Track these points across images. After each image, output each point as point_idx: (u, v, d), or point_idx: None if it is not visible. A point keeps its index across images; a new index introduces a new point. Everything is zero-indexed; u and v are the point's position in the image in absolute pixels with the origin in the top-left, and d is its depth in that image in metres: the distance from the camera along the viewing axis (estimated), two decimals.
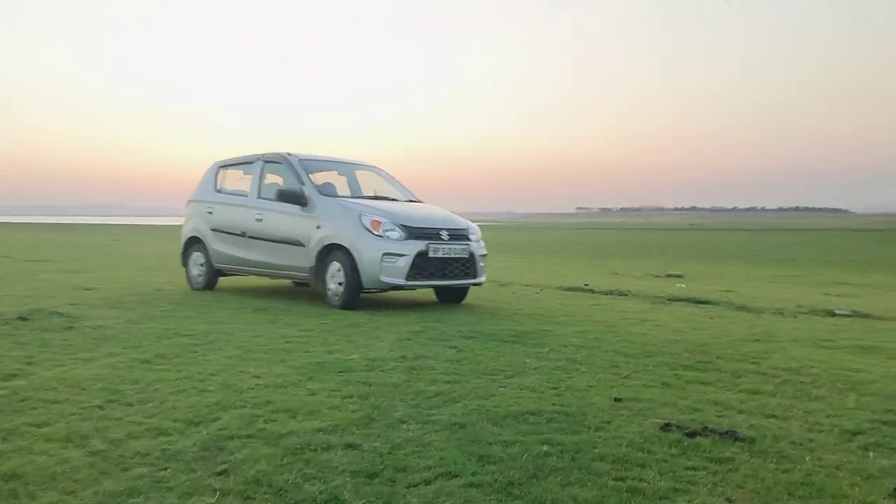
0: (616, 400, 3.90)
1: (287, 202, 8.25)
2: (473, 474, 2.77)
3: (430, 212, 8.50)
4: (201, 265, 9.50)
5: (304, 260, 8.07)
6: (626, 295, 9.97)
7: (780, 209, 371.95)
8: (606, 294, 10.12)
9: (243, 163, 9.40)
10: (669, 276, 14.91)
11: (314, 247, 7.94)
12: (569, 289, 10.78)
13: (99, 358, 4.88)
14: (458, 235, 8.07)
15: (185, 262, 9.83)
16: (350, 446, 3.10)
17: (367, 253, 7.50)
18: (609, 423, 3.45)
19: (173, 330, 6.10)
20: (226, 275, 9.57)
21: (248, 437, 3.23)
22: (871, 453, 2.96)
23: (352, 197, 8.83)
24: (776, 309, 8.40)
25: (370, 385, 4.22)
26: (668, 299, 9.40)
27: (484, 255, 8.31)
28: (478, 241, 8.30)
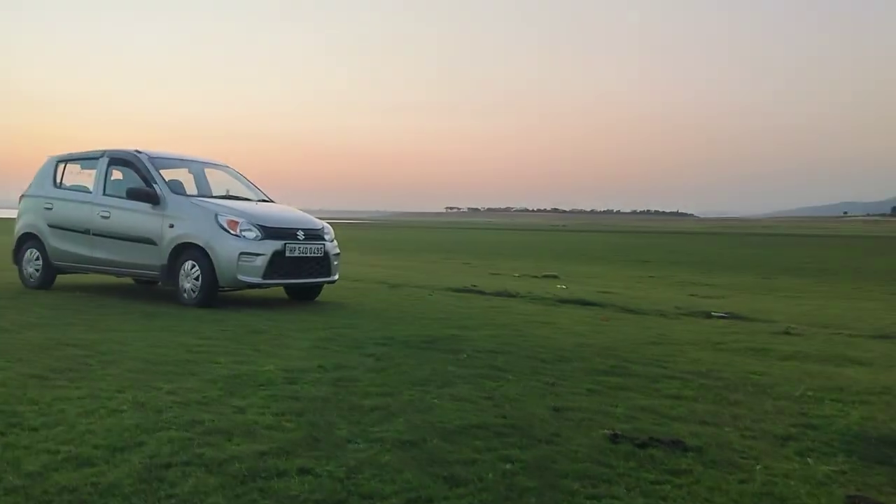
0: (555, 410, 3.93)
1: (137, 200, 8.21)
2: (446, 499, 2.68)
3: (286, 212, 8.76)
4: (37, 261, 9.14)
5: (155, 258, 8.06)
6: (514, 296, 10.18)
7: (634, 212, 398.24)
8: (496, 295, 10.29)
9: (86, 158, 9.16)
10: (546, 276, 15.44)
11: (167, 245, 7.96)
12: (459, 290, 10.86)
13: None
14: (314, 235, 8.33)
15: (17, 260, 9.44)
16: (304, 471, 2.91)
17: (224, 252, 7.62)
18: (558, 435, 3.46)
19: (57, 339, 5.53)
20: (64, 273, 9.25)
21: (186, 464, 2.94)
22: (809, 459, 3.16)
23: (204, 196, 8.77)
24: (658, 310, 8.89)
25: (299, 400, 4.01)
26: (557, 300, 9.70)
27: (338, 254, 8.66)
28: (332, 240, 8.63)
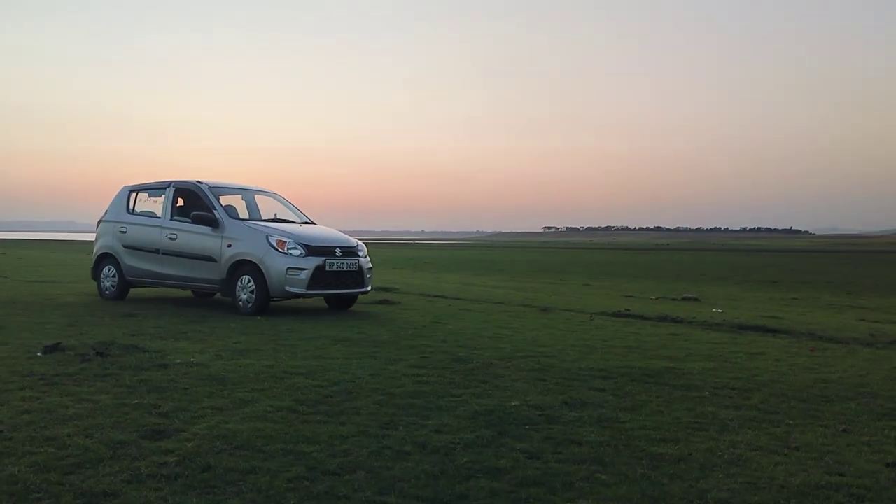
0: (889, 465, 3.43)
1: (200, 224, 9.46)
2: None
3: (325, 232, 9.93)
4: (113, 277, 10.44)
5: (215, 273, 9.28)
6: (681, 322, 9.60)
7: (744, 229, 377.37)
8: (660, 320, 9.73)
9: (154, 188, 10.44)
10: (686, 298, 14.70)
11: (225, 262, 9.18)
12: (616, 315, 10.37)
13: (235, 408, 4.21)
14: (349, 252, 9.51)
15: (95, 276, 10.73)
16: None
17: (275, 267, 8.82)
18: None
19: (277, 367, 5.43)
20: (136, 287, 10.56)
21: None
22: None
23: (255, 219, 10.02)
24: (853, 338, 8.14)
25: (581, 445, 3.67)
26: (736, 327, 9.06)
27: (370, 269, 9.86)
28: (365, 256, 9.77)
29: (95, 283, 10.79)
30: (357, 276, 9.52)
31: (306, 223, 10.29)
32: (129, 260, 10.23)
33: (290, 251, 8.92)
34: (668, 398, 4.83)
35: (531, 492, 3.02)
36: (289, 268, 8.81)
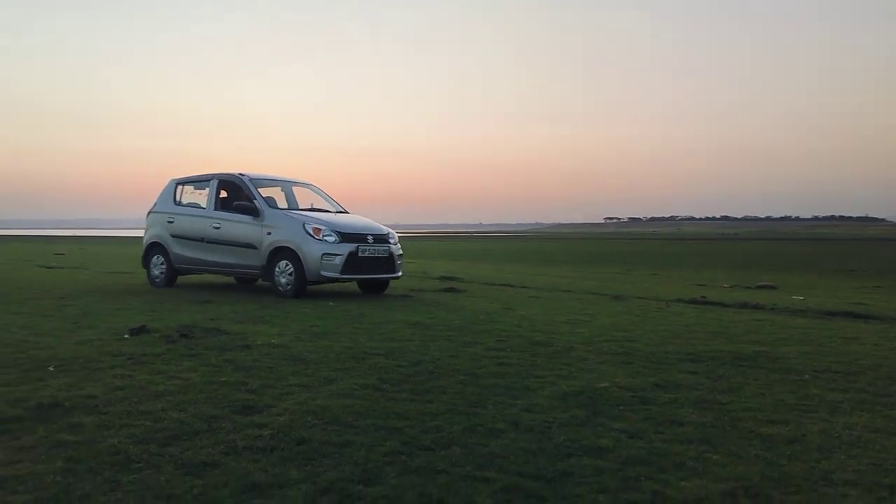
0: None
1: (242, 213, 9.96)
2: None
3: (358, 220, 10.32)
4: (162, 265, 10.89)
5: (256, 260, 9.76)
6: (762, 308, 9.22)
7: (816, 218, 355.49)
8: (741, 307, 9.36)
9: (199, 180, 10.91)
10: (762, 286, 14.16)
11: (265, 249, 9.64)
12: (692, 302, 10.04)
13: (320, 386, 4.18)
14: (381, 239, 9.92)
15: (146, 265, 11.21)
16: None
17: (311, 253, 9.25)
18: None
19: (358, 348, 5.40)
20: (183, 274, 10.99)
21: None
22: None
23: (293, 209, 10.43)
24: None
25: (683, 425, 3.49)
26: (823, 313, 8.64)
27: (401, 255, 10.22)
28: (396, 243, 10.16)
29: (145, 272, 11.26)
30: (388, 262, 9.91)
31: (340, 212, 10.74)
32: (176, 248, 10.70)
33: (324, 238, 9.35)
34: (766, 381, 4.59)
35: (639, 470, 2.87)
36: (324, 253, 9.24)
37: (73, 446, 3.10)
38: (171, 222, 10.85)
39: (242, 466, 2.88)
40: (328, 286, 10.26)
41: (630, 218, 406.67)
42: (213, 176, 10.72)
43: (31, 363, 4.72)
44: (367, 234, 9.76)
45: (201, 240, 10.41)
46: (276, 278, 9.52)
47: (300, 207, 10.65)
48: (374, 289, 10.30)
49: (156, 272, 10.98)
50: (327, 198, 11.24)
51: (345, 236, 9.49)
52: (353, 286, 10.65)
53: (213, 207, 10.47)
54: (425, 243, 53.26)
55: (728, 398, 4.09)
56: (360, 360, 5.05)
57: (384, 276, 9.95)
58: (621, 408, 3.85)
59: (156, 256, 10.99)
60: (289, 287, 9.37)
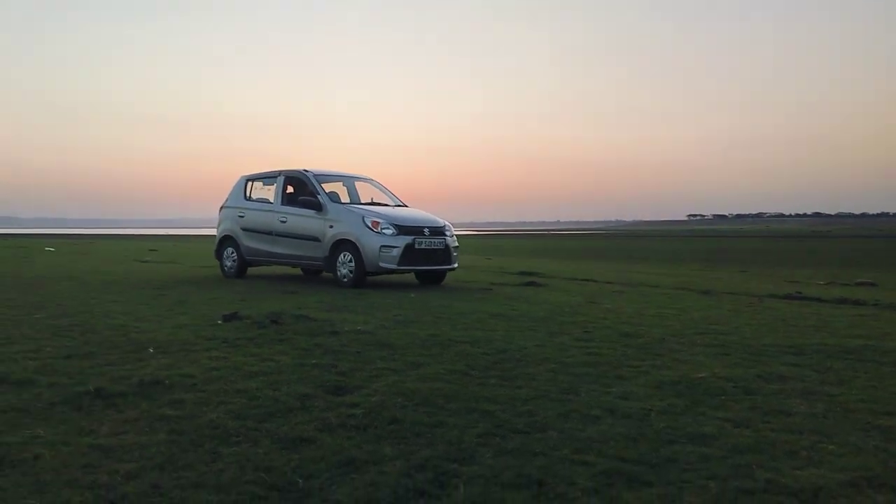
0: None
1: (306, 208, 10.30)
2: None
3: (415, 214, 10.53)
4: (233, 258, 11.34)
5: (319, 252, 10.07)
6: (864, 304, 8.70)
7: None
8: (839, 303, 8.87)
9: (267, 176, 11.32)
10: (861, 283, 13.41)
11: (328, 241, 9.94)
12: (785, 297, 9.59)
13: (408, 370, 4.17)
14: (437, 232, 10.06)
15: (219, 257, 11.68)
16: None
17: (370, 245, 9.50)
18: None
19: (442, 336, 5.38)
20: (252, 266, 11.35)
21: None
22: None
23: (354, 203, 10.67)
24: None
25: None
26: None
27: (456, 247, 10.37)
28: (452, 236, 10.31)
29: (218, 263, 11.72)
30: (444, 254, 10.06)
31: (399, 206, 10.98)
32: (246, 241, 11.11)
33: (383, 231, 9.59)
34: (876, 374, 4.31)
35: (748, 458, 2.72)
36: (382, 245, 9.48)
37: (174, 420, 3.19)
38: (242, 217, 11.27)
39: (337, 442, 2.88)
40: (389, 277, 10.56)
41: (715, 215, 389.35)
42: (279, 172, 11.06)
43: (132, 345, 4.91)
44: (424, 227, 9.95)
45: (269, 233, 10.78)
46: (337, 269, 9.83)
47: (361, 202, 10.88)
48: (433, 280, 10.46)
49: (228, 263, 11.42)
50: (387, 192, 11.50)
51: (402, 229, 9.72)
52: (411, 277, 10.85)
53: (279, 202, 10.81)
54: (502, 241, 53.10)
55: (838, 390, 3.85)
56: (446, 346, 5.03)
57: (441, 267, 10.15)
58: (722, 397, 3.68)
59: (228, 249, 11.44)
60: (349, 277, 9.66)
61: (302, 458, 2.72)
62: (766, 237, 70.54)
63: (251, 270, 11.67)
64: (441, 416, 3.27)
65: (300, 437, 2.95)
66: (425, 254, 9.82)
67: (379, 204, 10.82)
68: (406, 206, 11.16)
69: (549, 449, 2.83)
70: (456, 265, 10.39)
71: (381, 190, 11.55)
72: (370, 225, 9.62)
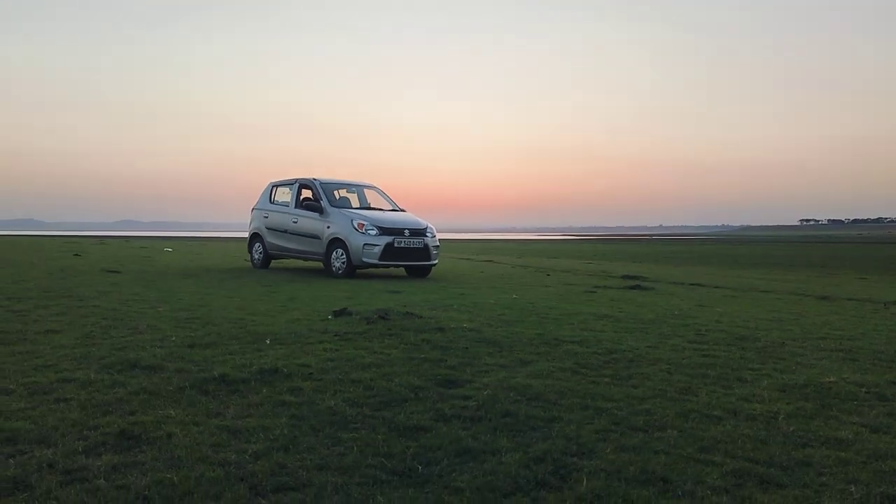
0: None
1: (311, 211, 11.93)
2: None
3: (400, 217, 11.93)
4: (260, 251, 13.14)
5: (320, 248, 11.67)
6: None
7: None
8: None
9: (287, 183, 12.91)
10: None
11: (325, 239, 11.54)
12: None
13: (517, 366, 4.14)
14: (418, 233, 11.46)
15: (249, 250, 13.57)
16: None
17: (355, 243, 11.05)
18: None
19: (549, 335, 5.32)
20: (275, 259, 13.08)
21: None
22: None
23: (355, 208, 12.26)
24: None
25: None
26: None
27: (437, 246, 11.79)
28: (433, 237, 11.68)
29: (249, 255, 13.62)
30: (424, 252, 11.48)
31: (394, 210, 12.47)
32: (270, 238, 12.83)
33: (367, 231, 11.04)
34: None
35: (891, 464, 2.53)
36: (365, 244, 10.95)
37: (294, 406, 3.29)
38: (266, 217, 12.95)
39: (453, 432, 2.89)
40: (387, 271, 12.35)
41: (829, 220, 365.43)
42: (295, 180, 12.65)
43: (251, 337, 5.11)
44: (405, 229, 11.31)
45: (285, 231, 12.45)
46: (332, 263, 11.36)
47: (370, 206, 12.51)
48: (418, 273, 11.83)
49: (255, 256, 13.24)
50: (387, 198, 13.07)
51: (384, 230, 11.12)
52: (396, 270, 12.49)
53: (293, 205, 12.40)
54: (600, 246, 52.08)
55: None
56: (554, 346, 4.96)
57: (419, 263, 11.50)
58: (855, 402, 3.46)
59: (256, 244, 13.25)
60: (341, 270, 11.17)
61: (419, 445, 2.74)
62: (889, 243, 65.96)
63: (274, 264, 13.53)
64: (555, 411, 3.22)
65: (416, 425, 2.98)
66: (405, 251, 11.24)
67: (376, 209, 12.35)
68: (403, 210, 12.67)
69: (670, 447, 2.74)
70: (435, 262, 11.78)
71: (383, 196, 13.10)
72: (356, 227, 11.11)
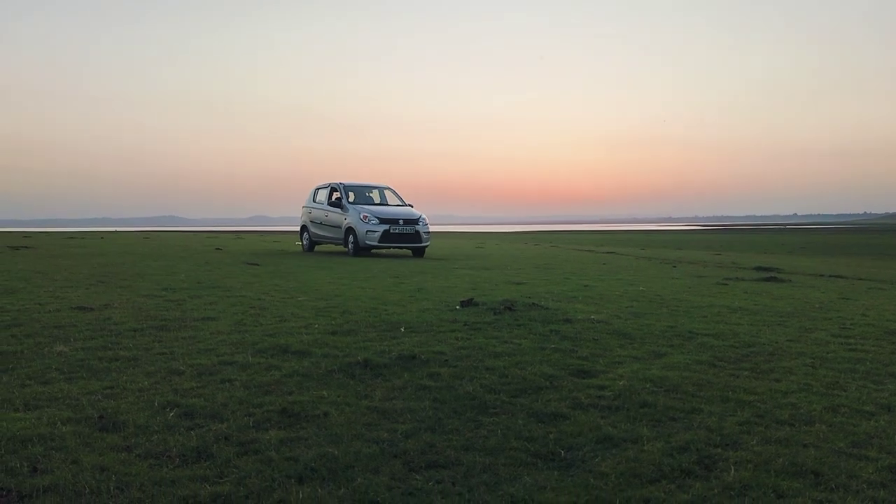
0: None
1: (336, 207, 15.70)
2: None
3: (398, 210, 15.49)
4: (306, 239, 17.12)
5: (340, 235, 15.41)
6: None
7: None
8: None
9: (323, 186, 16.78)
10: None
11: (344, 229, 15.28)
12: None
13: (651, 358, 4.12)
14: (410, 222, 14.99)
15: (301, 238, 17.71)
16: None
17: (361, 230, 14.68)
18: None
19: (681, 328, 5.24)
20: (317, 244, 16.91)
21: None
22: None
23: (374, 204, 16.02)
24: None
25: None
26: None
27: (427, 233, 15.30)
28: (424, 225, 15.22)
29: (300, 241, 17.76)
30: (415, 237, 15.07)
31: (399, 205, 16.19)
32: (312, 228, 16.88)
33: (370, 221, 14.69)
34: None
35: None
36: (367, 230, 14.62)
37: (435, 390, 3.45)
38: (310, 213, 16.93)
39: (592, 420, 2.95)
40: (394, 251, 16.01)
41: None
42: (329, 184, 16.52)
43: (386, 325, 5.36)
44: (399, 219, 14.87)
45: (321, 223, 16.40)
46: (348, 245, 15.16)
47: (387, 203, 16.31)
48: (414, 253, 15.48)
49: (304, 243, 17.23)
50: (398, 196, 16.83)
51: (383, 220, 14.76)
52: (398, 252, 16.10)
53: (326, 203, 16.21)
54: (730, 236, 49.69)
55: None
56: (687, 338, 4.88)
57: (411, 245, 15.16)
58: None
59: (304, 234, 17.29)
60: (351, 251, 14.91)
61: (560, 431, 2.82)
62: None
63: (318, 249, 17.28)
64: (694, 402, 3.21)
65: (554, 412, 3.06)
66: (399, 236, 14.86)
67: (384, 205, 16.07)
68: (409, 205, 16.27)
69: (820, 441, 2.67)
70: (426, 244, 15.27)
71: (395, 195, 16.89)
72: (362, 218, 14.76)
